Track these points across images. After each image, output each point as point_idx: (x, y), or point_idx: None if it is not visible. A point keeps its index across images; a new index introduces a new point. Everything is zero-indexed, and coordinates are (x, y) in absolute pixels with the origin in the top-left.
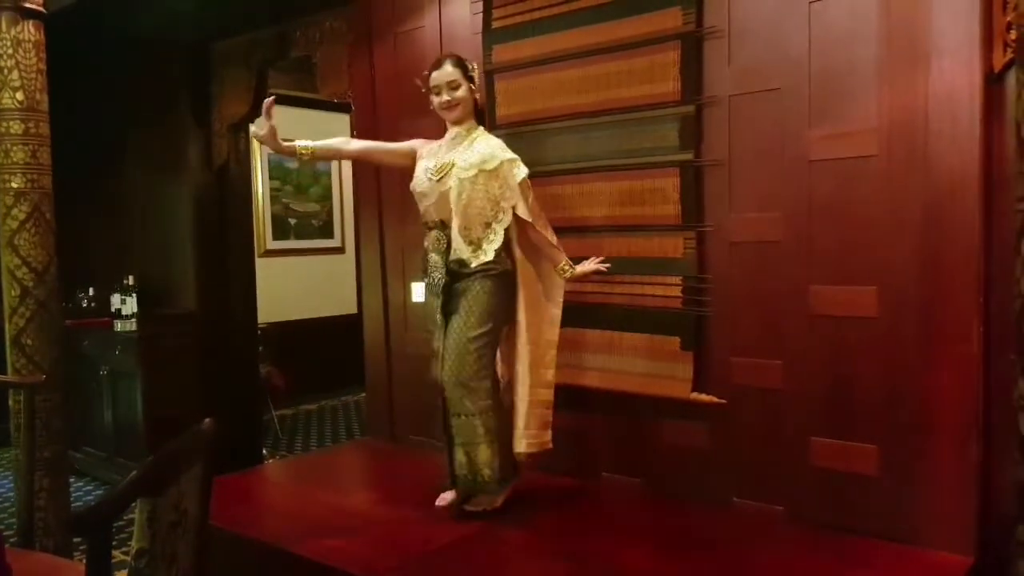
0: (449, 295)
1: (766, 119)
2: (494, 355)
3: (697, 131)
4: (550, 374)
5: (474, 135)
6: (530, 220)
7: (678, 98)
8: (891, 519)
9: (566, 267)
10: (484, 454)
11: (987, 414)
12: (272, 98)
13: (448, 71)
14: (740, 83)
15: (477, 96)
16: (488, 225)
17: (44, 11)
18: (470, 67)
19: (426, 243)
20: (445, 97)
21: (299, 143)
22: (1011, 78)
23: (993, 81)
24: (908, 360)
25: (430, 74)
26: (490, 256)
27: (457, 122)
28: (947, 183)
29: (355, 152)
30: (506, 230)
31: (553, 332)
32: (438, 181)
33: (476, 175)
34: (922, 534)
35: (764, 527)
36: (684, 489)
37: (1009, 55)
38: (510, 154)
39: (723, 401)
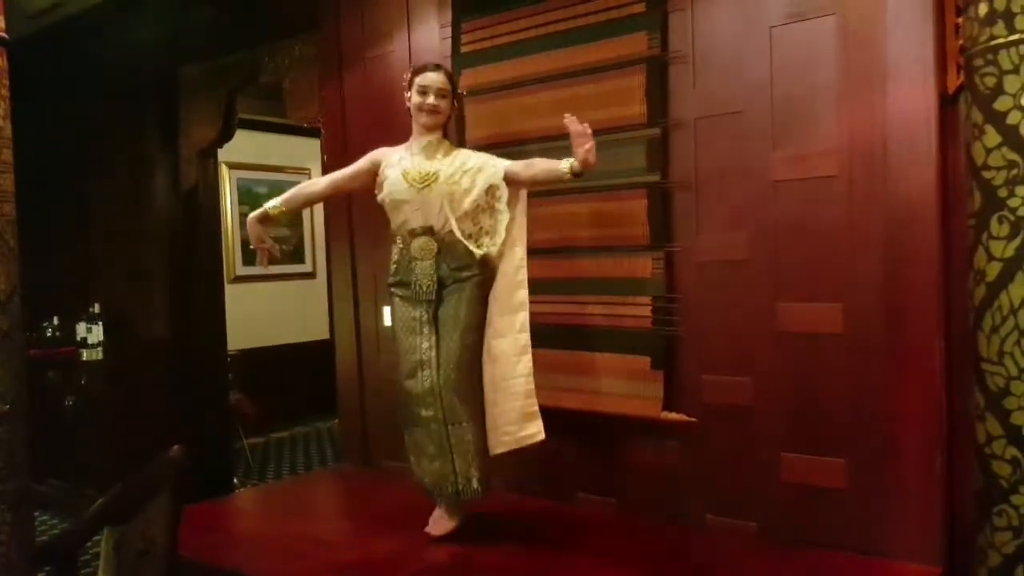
0: (438, 301)
1: (731, 141)
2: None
3: (664, 153)
4: (525, 360)
5: (445, 146)
6: (520, 166)
7: (645, 121)
8: (861, 532)
9: (573, 166)
10: (476, 461)
11: (951, 426)
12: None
13: (442, 79)
14: (705, 106)
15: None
16: (491, 206)
17: (7, 37)
18: (458, 86)
19: (403, 253)
20: (432, 100)
21: (267, 204)
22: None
23: (948, 103)
24: (874, 375)
25: (418, 74)
26: (501, 236)
27: (429, 130)
28: (906, 202)
29: (322, 190)
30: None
31: (523, 316)
32: (422, 189)
33: (461, 176)
34: (891, 546)
35: (737, 544)
36: (658, 508)
37: (962, 78)
38: (487, 157)
39: (694, 419)
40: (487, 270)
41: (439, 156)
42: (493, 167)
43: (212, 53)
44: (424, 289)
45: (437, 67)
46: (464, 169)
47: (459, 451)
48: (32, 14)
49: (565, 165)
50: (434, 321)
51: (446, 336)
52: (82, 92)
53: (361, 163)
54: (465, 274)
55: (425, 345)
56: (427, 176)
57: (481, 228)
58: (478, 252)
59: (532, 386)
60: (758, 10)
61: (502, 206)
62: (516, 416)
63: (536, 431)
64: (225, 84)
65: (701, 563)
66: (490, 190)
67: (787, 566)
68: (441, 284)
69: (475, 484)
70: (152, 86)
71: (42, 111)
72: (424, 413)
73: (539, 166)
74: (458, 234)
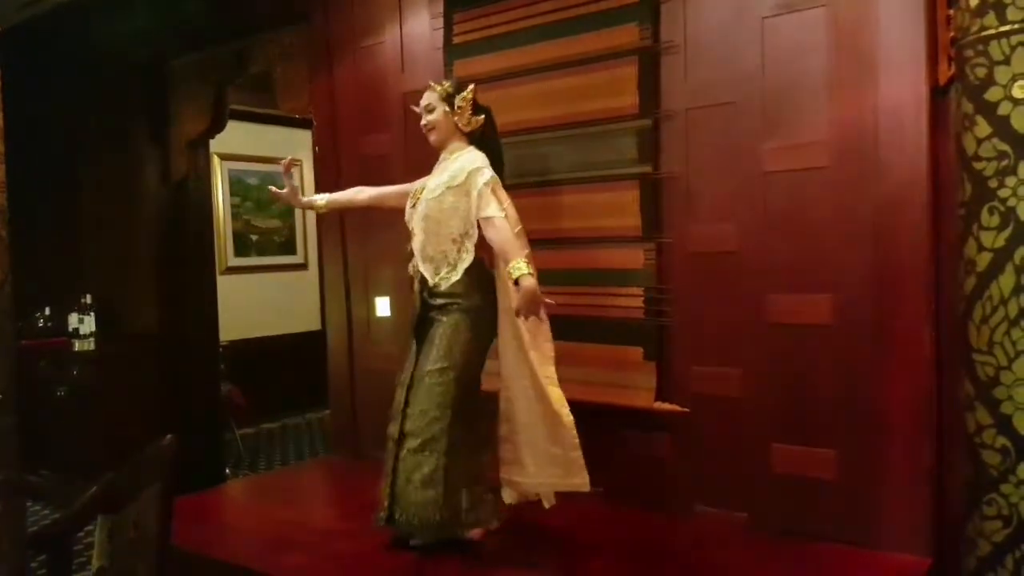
0: (423, 325)
1: (722, 132)
2: (466, 393)
3: (655, 144)
4: (566, 412)
5: (455, 155)
6: (490, 215)
7: (637, 112)
8: (851, 523)
9: (520, 264)
10: (420, 493)
11: (940, 416)
12: (290, 159)
13: (424, 96)
14: (696, 97)
15: (457, 120)
16: (460, 242)
17: None
18: (449, 89)
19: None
20: (423, 120)
21: (316, 197)
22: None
23: (939, 94)
24: (863, 366)
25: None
26: (458, 275)
27: (439, 146)
28: (896, 193)
29: (368, 200)
30: (487, 265)
31: (549, 369)
32: (412, 208)
33: (442, 194)
34: (881, 537)
35: (727, 535)
36: (648, 498)
37: (953, 69)
38: (478, 164)
39: (685, 410)
40: (473, 298)
41: (440, 169)
42: (474, 200)
43: (202, 44)
44: (415, 310)
45: (424, 89)
46: (452, 184)
47: (403, 475)
48: (21, 3)
49: (517, 270)
50: (418, 343)
51: (422, 360)
52: (72, 82)
53: (408, 185)
54: (449, 301)
55: (407, 364)
56: (416, 193)
57: (446, 257)
58: (443, 284)
59: (577, 439)
60: (749, 1)
61: (469, 245)
62: (564, 463)
63: (582, 482)
64: (215, 75)
65: (691, 553)
66: (467, 221)
67: (777, 557)
68: (426, 308)
69: (404, 516)
70: (142, 77)
71: (31, 101)
72: (389, 429)
73: (506, 245)
74: (418, 255)
